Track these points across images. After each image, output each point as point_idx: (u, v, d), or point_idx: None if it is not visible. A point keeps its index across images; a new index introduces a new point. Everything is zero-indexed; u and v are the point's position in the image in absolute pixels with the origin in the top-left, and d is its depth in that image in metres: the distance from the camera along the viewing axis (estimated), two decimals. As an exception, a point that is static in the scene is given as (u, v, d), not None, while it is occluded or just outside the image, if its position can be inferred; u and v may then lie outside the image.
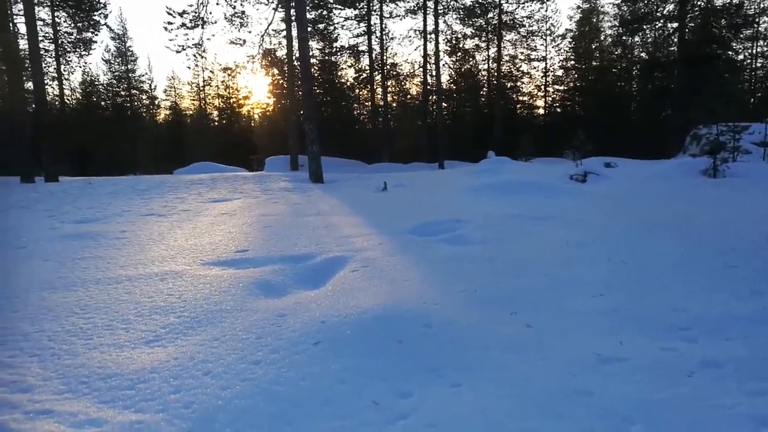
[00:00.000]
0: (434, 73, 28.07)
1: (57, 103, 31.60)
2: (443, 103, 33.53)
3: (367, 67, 33.32)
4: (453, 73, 38.58)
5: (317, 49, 33.03)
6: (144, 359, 2.87)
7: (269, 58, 24.58)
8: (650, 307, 3.45)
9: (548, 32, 37.46)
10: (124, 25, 40.87)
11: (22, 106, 18.63)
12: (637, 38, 33.23)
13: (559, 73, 39.16)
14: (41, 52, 18.93)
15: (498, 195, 8.62)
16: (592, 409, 2.25)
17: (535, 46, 37.12)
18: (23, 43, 21.64)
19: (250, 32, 39.51)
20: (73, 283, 4.56)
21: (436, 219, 6.83)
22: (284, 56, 25.62)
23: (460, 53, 37.50)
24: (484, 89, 39.24)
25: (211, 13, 21.43)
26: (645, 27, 29.39)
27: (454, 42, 36.77)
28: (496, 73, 35.53)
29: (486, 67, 38.64)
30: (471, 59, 38.28)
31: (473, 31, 36.03)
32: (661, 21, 27.98)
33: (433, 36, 27.91)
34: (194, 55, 22.04)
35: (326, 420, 2.21)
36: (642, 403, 2.29)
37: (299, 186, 13.03)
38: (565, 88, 39.14)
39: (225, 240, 6.22)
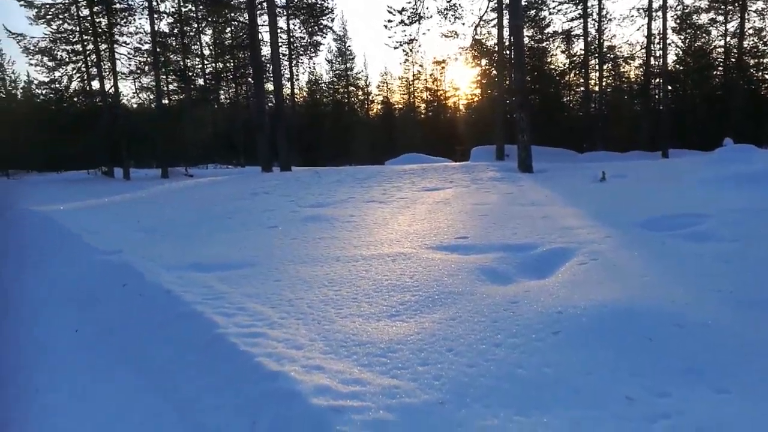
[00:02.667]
0: (659, 54, 25.49)
1: (288, 101, 35.65)
2: (668, 86, 30.22)
3: (581, 52, 31.54)
4: (680, 52, 34.59)
5: (526, 36, 32.16)
6: (389, 331, 3.13)
7: (479, 49, 24.67)
8: None
9: (810, -6, 31.35)
10: (344, 27, 44.45)
11: (264, 106, 21.42)
12: None
13: (825, 44, 32.59)
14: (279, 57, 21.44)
15: (744, 187, 7.54)
16: None
17: (793, 13, 31.35)
18: (265, 50, 24.78)
19: (463, 24, 40.00)
20: (318, 259, 5.14)
21: (670, 212, 6.24)
22: (493, 46, 25.50)
23: (690, 30, 33.42)
24: (719, 69, 34.45)
25: (427, 8, 22.29)
26: None
27: (683, 17, 32.89)
28: (735, 51, 30.97)
29: (722, 43, 33.87)
30: (703, 36, 33.88)
31: (709, 4, 31.77)
32: None
33: (659, 13, 25.34)
34: (410, 50, 23.09)
35: (575, 408, 2.19)
36: None
37: (508, 176, 12.91)
38: (833, 61, 32.48)
39: (444, 226, 6.45)
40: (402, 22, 21.49)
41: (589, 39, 31.04)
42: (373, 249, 5.42)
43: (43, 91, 21.83)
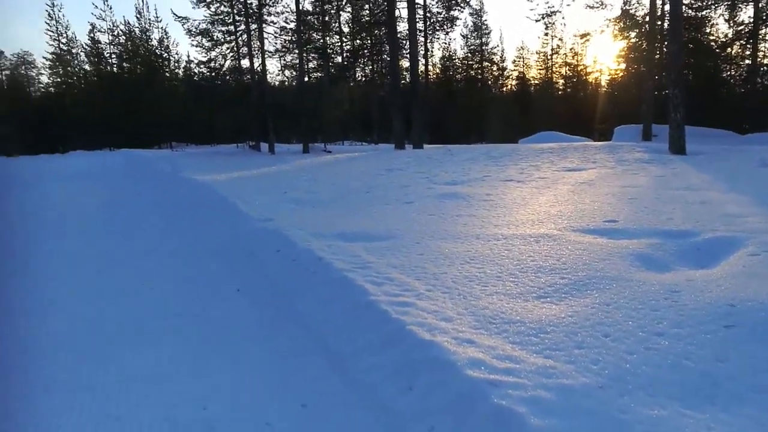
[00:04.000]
0: None
1: (422, 78, 35.72)
2: None
3: (750, 20, 28.05)
4: None
5: (684, 4, 29.18)
6: (538, 312, 3.08)
7: (628, 20, 22.92)
8: None
9: None
10: (481, 0, 43.33)
11: (399, 83, 21.69)
12: None
13: None
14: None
15: None
16: None
17: None
18: (401, 27, 25.00)
19: (613, -7, 37.49)
20: (457, 236, 5.16)
21: None
22: (644, 16, 23.54)
23: None
24: None
25: (573, -22, 20.96)
26: None
27: None
28: None
29: None
30: None
31: None
32: None
33: None
34: (552, 23, 22.10)
35: (758, 408, 2.02)
36: None
37: (657, 157, 11.97)
38: None
39: (590, 209, 6.17)
40: (545, -7, 20.56)
41: (761, 4, 27.49)
42: (513, 228, 5.34)
43: (202, 70, 23.89)
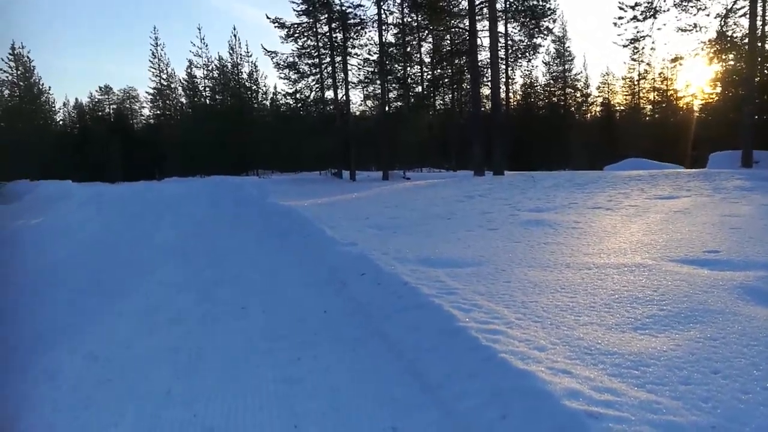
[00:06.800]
0: None
1: (503, 105, 35.49)
2: None
3: None
4: None
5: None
6: (637, 344, 2.94)
7: (724, 42, 21.77)
8: None
9: None
10: (564, 27, 42.72)
11: (480, 110, 21.64)
12: None
13: None
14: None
15: None
16: None
17: None
18: (482, 55, 25.04)
19: (707, 15, 35.28)
20: (546, 264, 5.04)
21: None
22: (741, 38, 22.26)
23: None
24: None
25: (664, 1, 20.15)
26: None
27: None
28: None
29: None
30: None
31: None
32: None
33: None
34: (641, 48, 21.42)
35: None
36: None
37: (761, 185, 11.16)
38: None
39: (687, 239, 5.84)
40: (634, 18, 19.96)
41: None
42: (605, 258, 5.15)
43: (289, 101, 25.00)
